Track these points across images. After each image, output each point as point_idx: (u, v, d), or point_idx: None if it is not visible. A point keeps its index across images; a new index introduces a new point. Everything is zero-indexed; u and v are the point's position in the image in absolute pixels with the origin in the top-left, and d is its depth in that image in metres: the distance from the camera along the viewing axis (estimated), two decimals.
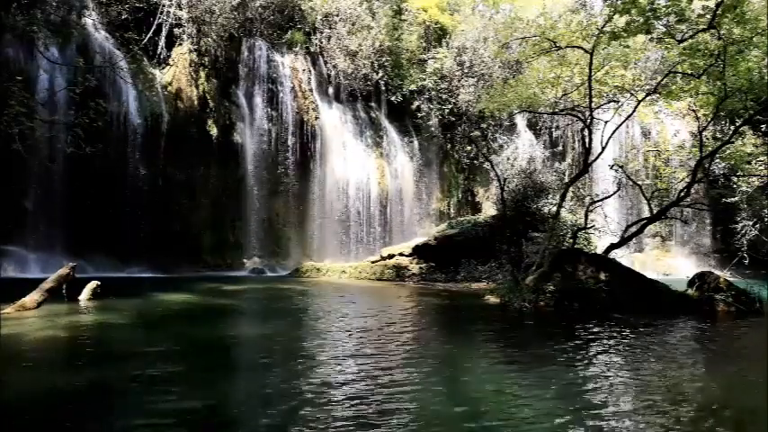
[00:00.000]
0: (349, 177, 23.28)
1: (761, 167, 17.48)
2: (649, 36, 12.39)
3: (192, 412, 4.10)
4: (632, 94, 14.25)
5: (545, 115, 23.92)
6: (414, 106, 25.93)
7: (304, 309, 10.69)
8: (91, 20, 17.96)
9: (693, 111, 15.27)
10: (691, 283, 11.81)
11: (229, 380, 5.17)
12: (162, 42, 19.28)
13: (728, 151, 15.69)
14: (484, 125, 26.39)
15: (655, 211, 13.54)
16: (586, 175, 19.49)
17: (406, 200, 25.01)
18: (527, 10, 23.78)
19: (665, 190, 18.29)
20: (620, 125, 14.37)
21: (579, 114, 15.13)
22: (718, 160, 16.29)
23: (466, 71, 26.12)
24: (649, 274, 13.98)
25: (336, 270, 18.12)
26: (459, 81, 26.01)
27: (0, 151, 12.71)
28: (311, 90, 23.26)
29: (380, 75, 24.89)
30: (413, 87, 25.53)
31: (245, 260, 20.00)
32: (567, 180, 20.25)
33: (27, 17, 14.82)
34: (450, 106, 26.04)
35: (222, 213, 19.98)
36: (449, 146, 27.00)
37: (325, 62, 24.29)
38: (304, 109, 22.52)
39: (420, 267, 17.74)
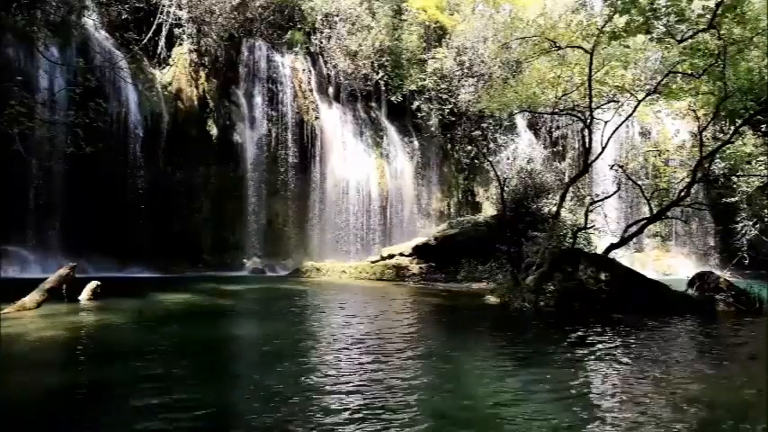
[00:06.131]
0: (349, 177, 23.27)
1: (761, 167, 17.49)
2: (649, 36, 12.38)
3: (193, 412, 4.10)
4: (632, 94, 14.24)
5: (545, 115, 23.90)
6: (414, 106, 25.93)
7: (304, 309, 10.69)
8: (91, 20, 17.94)
9: (693, 111, 15.25)
10: (691, 283, 11.81)
11: (230, 379, 5.17)
12: (162, 42, 19.27)
13: (728, 151, 15.70)
14: (484, 125, 26.39)
15: (655, 211, 13.54)
16: (586, 175, 19.49)
17: (406, 200, 25.00)
18: (527, 10, 23.80)
19: (665, 190, 18.26)
20: (620, 125, 14.37)
21: (579, 114, 15.13)
22: (718, 160, 16.30)
23: (466, 71, 26.11)
24: (649, 274, 13.99)
25: (336, 270, 18.12)
26: (459, 81, 26.00)
27: (0, 151, 12.69)
28: (311, 90, 23.25)
29: (380, 75, 24.88)
30: (413, 87, 25.51)
31: (245, 260, 20.00)
32: (567, 180, 20.25)
33: (27, 17, 14.79)
34: (450, 106, 26.04)
35: (222, 213, 19.97)
36: (449, 146, 27.00)
37: (325, 62, 24.28)
38: (304, 109, 22.51)
39: (420, 267, 17.74)
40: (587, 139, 13.77)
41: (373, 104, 25.84)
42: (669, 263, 25.63)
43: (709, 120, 14.83)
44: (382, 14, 25.45)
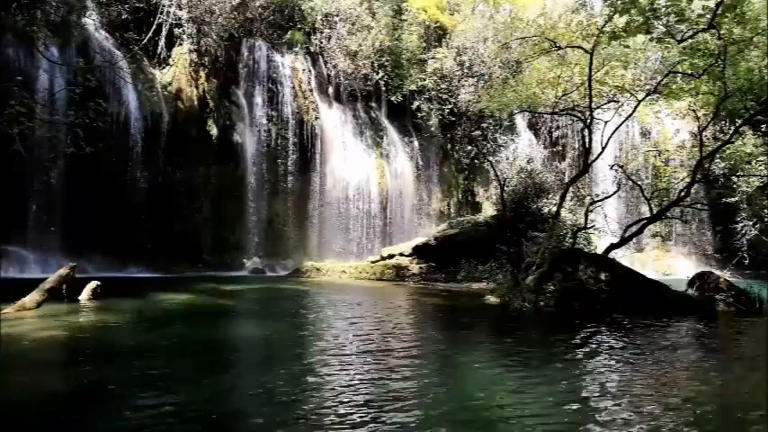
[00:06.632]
0: (349, 177, 23.26)
1: (761, 167, 17.50)
2: (649, 36, 12.39)
3: (193, 412, 4.10)
4: (632, 94, 14.24)
5: (545, 115, 23.90)
6: (414, 106, 25.93)
7: (304, 309, 10.68)
8: (91, 20, 17.93)
9: (693, 111, 15.26)
10: (691, 283, 11.81)
11: (230, 380, 5.17)
12: (162, 42, 19.27)
13: (728, 151, 15.72)
14: (484, 125, 26.39)
15: (655, 211, 13.54)
16: (586, 175, 19.48)
17: (406, 200, 25.00)
18: (527, 10, 23.80)
19: (665, 190, 18.27)
20: (620, 125, 14.37)
21: (579, 114, 15.12)
22: (718, 160, 16.31)
23: (466, 71, 26.11)
24: (649, 274, 13.99)
25: (336, 270, 18.12)
26: (459, 81, 26.00)
27: (0, 151, 12.69)
28: (311, 90, 23.25)
29: (380, 75, 24.88)
30: (413, 87, 25.51)
31: (245, 260, 19.99)
32: (567, 180, 20.25)
33: (27, 17, 14.79)
34: (450, 106, 26.03)
35: (222, 213, 19.96)
36: (449, 146, 27.00)
37: (326, 62, 24.28)
38: (304, 109, 22.51)
39: (420, 267, 17.74)
40: (587, 139, 13.77)
41: (373, 104, 25.83)
42: (669, 263, 25.62)
43: (709, 120, 14.84)
44: (382, 14, 25.45)
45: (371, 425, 3.82)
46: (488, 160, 20.07)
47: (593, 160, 14.56)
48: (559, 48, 13.35)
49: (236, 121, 20.87)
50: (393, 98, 25.53)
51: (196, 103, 19.66)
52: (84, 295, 9.50)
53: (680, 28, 11.62)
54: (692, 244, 26.53)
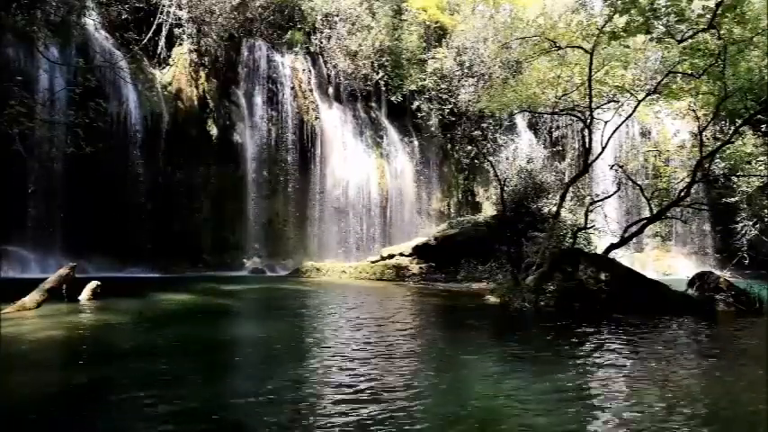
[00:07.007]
0: (349, 177, 23.26)
1: (761, 167, 17.50)
2: (649, 36, 12.39)
3: (193, 413, 4.10)
4: (632, 94, 14.24)
5: (545, 115, 23.90)
6: (414, 106, 25.93)
7: (304, 309, 10.68)
8: (91, 20, 17.94)
9: (693, 111, 15.25)
10: (691, 283, 11.81)
11: (229, 380, 5.17)
12: (162, 42, 19.27)
13: (728, 151, 15.72)
14: (484, 125, 26.39)
15: (655, 211, 13.54)
16: (586, 175, 19.47)
17: (406, 200, 25.00)
18: (527, 10, 23.81)
19: (665, 190, 18.26)
20: (620, 125, 14.37)
21: (579, 114, 15.13)
22: (718, 160, 16.30)
23: (466, 71, 26.11)
24: (649, 274, 13.99)
25: (336, 270, 18.12)
26: (459, 81, 26.00)
27: (0, 151, 12.69)
28: (311, 90, 23.25)
29: (380, 75, 24.88)
30: (413, 87, 25.51)
31: (245, 260, 19.99)
32: (567, 180, 20.25)
33: (27, 17, 14.80)
34: (450, 106, 26.03)
35: (222, 213, 19.96)
36: (449, 146, 27.00)
37: (326, 62, 24.28)
38: (304, 109, 22.51)
39: (420, 267, 17.74)
40: (587, 139, 13.77)
41: (373, 104, 25.83)
42: (669, 263, 25.61)
43: (709, 120, 14.83)
44: (382, 14, 25.45)
45: (372, 425, 3.82)
46: (488, 160, 20.06)
47: (593, 160, 14.56)
48: (559, 48, 13.36)
49: (236, 121, 20.87)
50: (393, 98, 25.52)
51: (196, 103, 19.66)
52: (84, 295, 9.50)
53: (680, 28, 11.62)
54: (692, 244, 26.52)
